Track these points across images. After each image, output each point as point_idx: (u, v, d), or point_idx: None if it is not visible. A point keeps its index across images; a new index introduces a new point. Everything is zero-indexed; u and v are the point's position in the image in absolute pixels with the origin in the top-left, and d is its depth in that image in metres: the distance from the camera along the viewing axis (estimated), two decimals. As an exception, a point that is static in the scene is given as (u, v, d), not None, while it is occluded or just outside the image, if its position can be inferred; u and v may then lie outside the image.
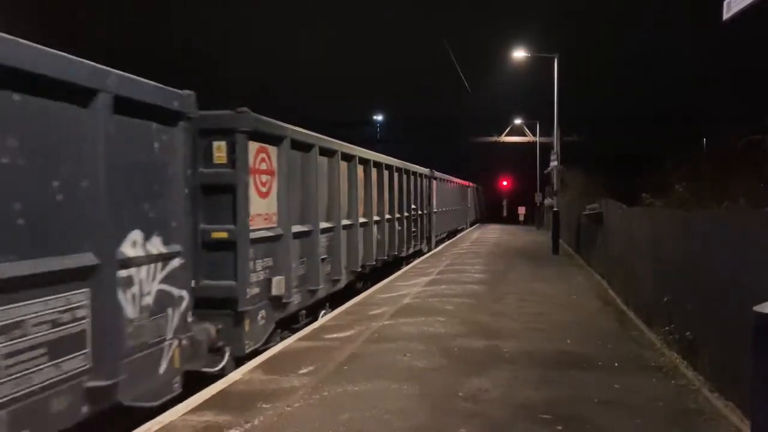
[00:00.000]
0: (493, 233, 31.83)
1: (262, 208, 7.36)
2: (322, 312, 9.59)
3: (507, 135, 47.67)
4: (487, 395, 5.52)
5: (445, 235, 25.87)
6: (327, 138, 9.88)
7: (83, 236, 4.14)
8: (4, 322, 3.51)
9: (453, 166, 32.55)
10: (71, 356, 4.03)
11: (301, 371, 6.27)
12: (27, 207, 3.71)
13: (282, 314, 7.80)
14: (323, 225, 9.36)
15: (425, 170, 20.13)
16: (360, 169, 11.73)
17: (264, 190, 7.42)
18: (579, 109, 40.04)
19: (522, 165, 45.77)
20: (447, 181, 26.66)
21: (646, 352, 7.04)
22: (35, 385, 3.74)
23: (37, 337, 3.76)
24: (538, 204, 36.74)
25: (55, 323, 3.89)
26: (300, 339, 7.80)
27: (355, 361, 6.65)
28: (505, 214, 50.36)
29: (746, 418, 4.66)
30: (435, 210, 22.05)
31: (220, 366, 6.30)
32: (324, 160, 9.61)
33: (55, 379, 3.90)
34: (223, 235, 6.70)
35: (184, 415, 5.05)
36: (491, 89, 44.27)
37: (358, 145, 11.98)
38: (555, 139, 21.60)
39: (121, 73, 4.56)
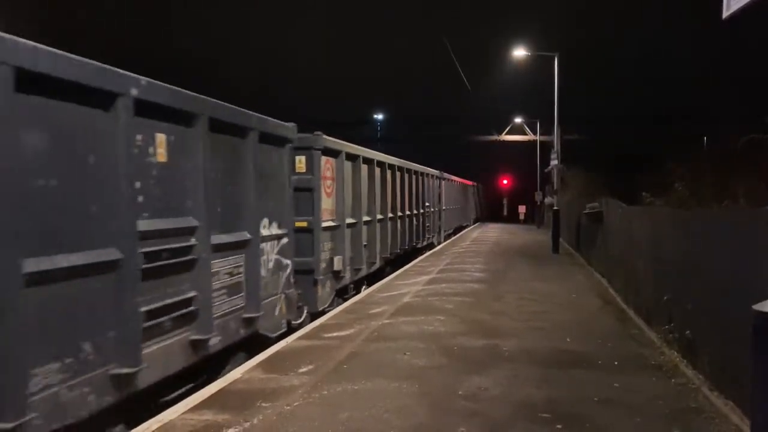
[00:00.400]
0: (493, 232, 31.83)
1: (327, 205, 9.97)
2: (363, 287, 12.16)
3: (507, 134, 47.61)
4: (486, 394, 5.52)
5: (452, 230, 28.16)
6: (367, 150, 12.64)
7: (243, 221, 6.54)
8: (215, 269, 5.87)
9: (453, 165, 32.53)
10: (236, 296, 6.37)
11: (301, 370, 6.27)
12: (222, 204, 6.11)
13: (339, 285, 10.45)
14: (365, 218, 12.00)
15: (435, 172, 22.77)
16: (389, 173, 14.44)
17: (329, 191, 10.05)
18: (579, 108, 40.07)
19: (522, 164, 45.74)
20: (452, 180, 28.79)
21: (645, 351, 7.04)
22: (223, 311, 6.08)
23: (224, 281, 6.12)
24: (538, 203, 36.74)
25: (231, 274, 6.26)
26: (300, 338, 7.79)
27: (355, 360, 6.65)
28: (505, 213, 50.35)
29: (746, 417, 4.66)
30: (444, 207, 24.73)
31: (302, 319, 8.67)
32: (365, 167, 12.20)
33: (230, 309, 6.22)
34: (304, 224, 9.12)
35: (183, 414, 5.05)
36: (491, 88, 44.26)
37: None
38: (555, 138, 21.59)
39: (263, 116, 7.06)
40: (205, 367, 5.98)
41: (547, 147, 29.14)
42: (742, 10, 3.15)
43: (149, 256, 4.86)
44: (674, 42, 47.83)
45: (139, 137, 4.83)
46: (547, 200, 28.54)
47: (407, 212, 16.67)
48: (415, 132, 49.42)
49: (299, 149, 8.98)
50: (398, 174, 15.46)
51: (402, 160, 16.28)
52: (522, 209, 44.98)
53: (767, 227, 4.64)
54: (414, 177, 17.88)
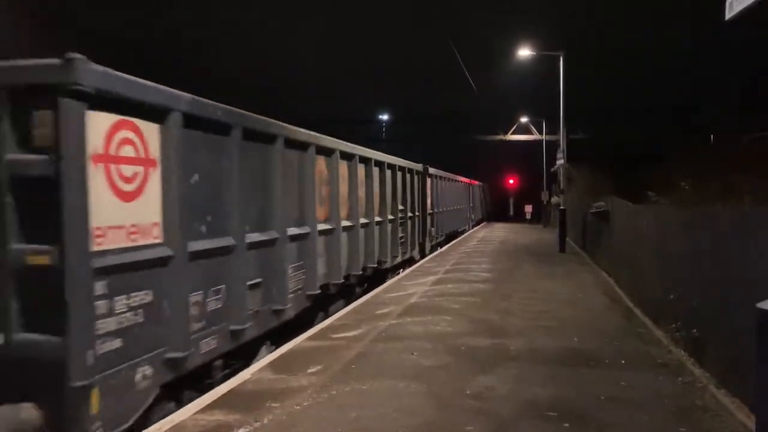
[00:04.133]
0: (499, 232, 31.80)
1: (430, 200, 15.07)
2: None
3: (513, 133, 47.47)
4: (493, 393, 5.56)
5: (475, 222, 34.14)
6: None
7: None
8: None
9: (459, 165, 32.54)
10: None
11: (310, 370, 6.32)
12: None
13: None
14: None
15: (465, 179, 28.01)
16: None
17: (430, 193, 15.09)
18: (585, 107, 39.90)
19: (528, 163, 45.68)
20: (473, 183, 32.63)
21: (652, 350, 7.06)
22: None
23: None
24: (544, 202, 36.70)
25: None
26: (308, 338, 7.86)
27: (363, 360, 6.70)
28: (511, 212, 50.28)
29: (753, 415, 4.68)
30: (471, 205, 30.71)
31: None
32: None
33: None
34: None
35: (194, 414, 5.11)
36: (497, 88, 44.14)
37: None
38: (561, 137, 21.57)
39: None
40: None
41: (552, 146, 29.13)
42: (744, 13, 3.18)
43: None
44: (682, 37, 47.58)
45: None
46: (554, 199, 28.51)
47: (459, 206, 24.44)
48: (421, 131, 49.36)
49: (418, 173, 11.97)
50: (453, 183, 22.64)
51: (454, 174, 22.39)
52: (528, 208, 44.87)
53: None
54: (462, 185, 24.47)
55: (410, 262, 16.46)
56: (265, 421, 4.92)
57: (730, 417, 4.91)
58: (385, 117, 54.20)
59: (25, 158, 4.26)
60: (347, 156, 10.38)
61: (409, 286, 12.33)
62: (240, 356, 6.56)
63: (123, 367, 4.57)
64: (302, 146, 8.31)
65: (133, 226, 4.79)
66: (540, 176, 38.19)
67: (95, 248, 4.33)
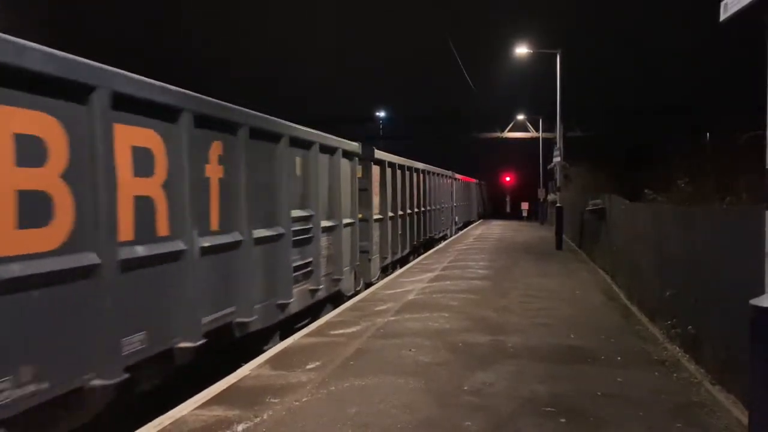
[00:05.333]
0: (496, 229, 31.87)
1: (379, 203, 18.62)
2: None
3: (510, 131, 47.57)
4: (491, 389, 5.60)
5: (462, 224, 34.86)
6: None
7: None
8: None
9: (456, 163, 32.61)
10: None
11: (309, 366, 6.36)
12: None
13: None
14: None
15: (458, 176, 30.11)
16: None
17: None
18: (583, 105, 39.99)
19: (525, 161, 45.80)
20: (461, 179, 32.88)
21: (649, 346, 7.12)
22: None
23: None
24: (541, 200, 36.80)
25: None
26: (306, 335, 7.89)
27: (362, 357, 6.74)
28: (508, 209, 50.43)
29: (748, 411, 4.73)
30: (468, 203, 33.93)
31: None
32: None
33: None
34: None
35: (194, 410, 5.14)
36: (494, 85, 44.20)
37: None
38: (558, 135, 21.64)
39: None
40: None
41: (550, 144, 29.20)
42: (739, 15, 3.21)
43: None
44: (677, 35, 47.68)
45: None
46: (550, 197, 28.59)
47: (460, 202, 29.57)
48: (418, 128, 49.40)
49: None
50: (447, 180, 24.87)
51: (449, 172, 25.33)
52: (525, 206, 45.02)
53: (764, 224, 4.69)
54: (449, 181, 26.14)
55: (444, 237, 23.94)
56: (265, 416, 4.96)
57: (725, 413, 4.97)
58: (382, 114, 54.12)
59: (357, 182, 10.99)
60: (421, 171, 18.17)
61: (407, 283, 12.37)
62: (397, 264, 14.68)
63: (375, 256, 12.42)
64: (410, 169, 16.16)
65: (378, 206, 12.65)
66: (537, 174, 38.28)
67: (374, 213, 12.14)
